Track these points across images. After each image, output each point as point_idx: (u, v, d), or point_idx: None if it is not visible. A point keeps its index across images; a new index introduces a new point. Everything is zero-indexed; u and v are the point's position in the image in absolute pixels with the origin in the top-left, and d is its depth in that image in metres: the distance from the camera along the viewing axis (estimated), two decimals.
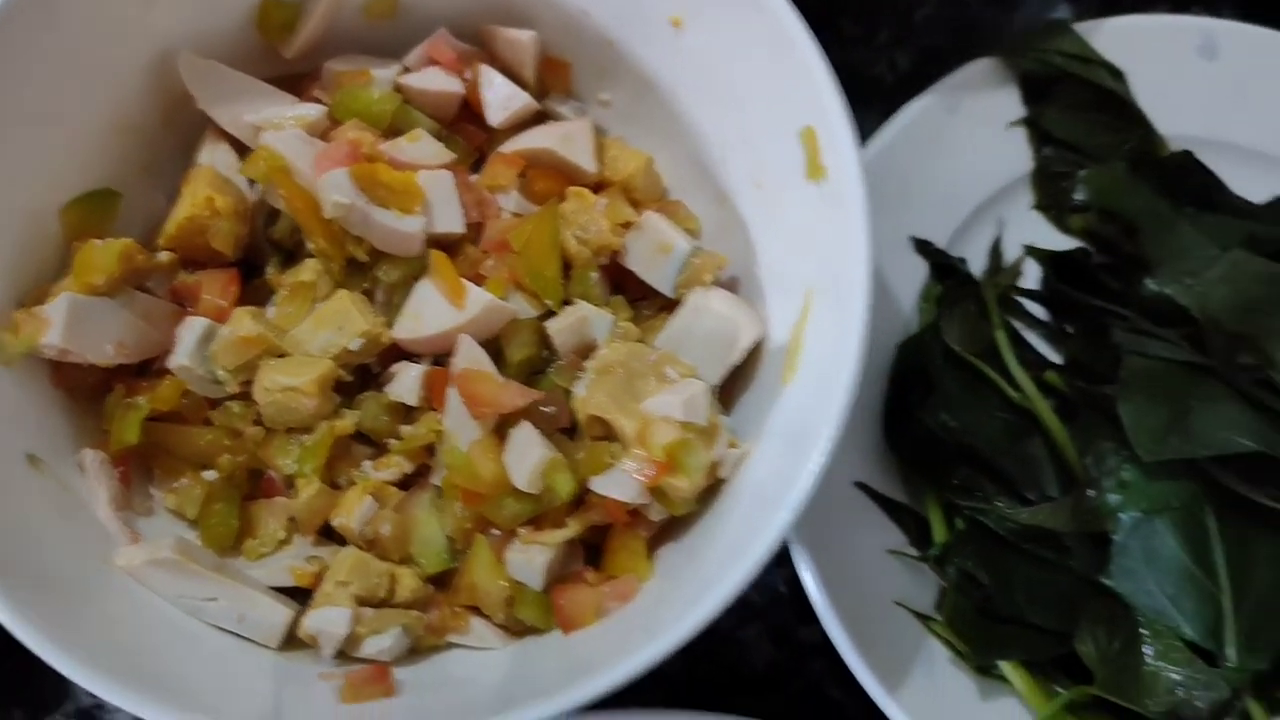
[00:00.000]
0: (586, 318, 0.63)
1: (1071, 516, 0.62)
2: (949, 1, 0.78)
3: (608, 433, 0.60)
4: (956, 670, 0.65)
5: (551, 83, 0.70)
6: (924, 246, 0.71)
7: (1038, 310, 0.70)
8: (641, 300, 0.66)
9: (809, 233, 0.58)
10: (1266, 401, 0.63)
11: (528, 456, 0.59)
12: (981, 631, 0.62)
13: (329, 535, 0.62)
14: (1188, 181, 0.70)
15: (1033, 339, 0.70)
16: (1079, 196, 0.67)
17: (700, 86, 0.64)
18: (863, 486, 0.67)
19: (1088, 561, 0.62)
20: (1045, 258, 0.68)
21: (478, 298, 0.60)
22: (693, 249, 0.64)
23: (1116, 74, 0.71)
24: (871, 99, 0.74)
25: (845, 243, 0.54)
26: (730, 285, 0.66)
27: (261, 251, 0.66)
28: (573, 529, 0.60)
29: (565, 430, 0.61)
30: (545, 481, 0.59)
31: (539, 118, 0.69)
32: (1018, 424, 0.66)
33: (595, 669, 0.51)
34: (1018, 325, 0.71)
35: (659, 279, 0.64)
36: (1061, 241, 0.70)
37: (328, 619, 0.59)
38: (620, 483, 0.59)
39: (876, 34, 0.78)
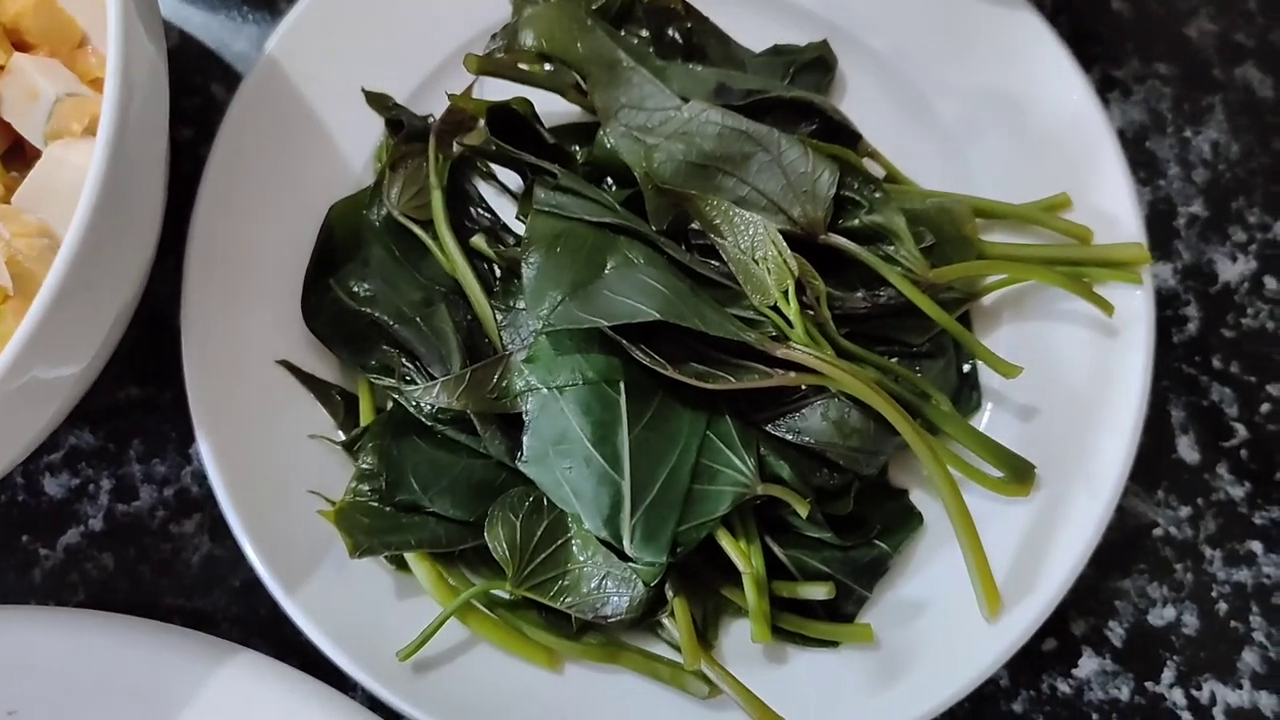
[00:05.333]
0: None
1: (471, 393, 0.55)
2: None
3: None
4: (375, 567, 0.58)
5: None
6: (376, 99, 0.63)
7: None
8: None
9: None
10: (698, 271, 0.56)
11: None
12: (371, 520, 0.56)
13: None
14: (673, 29, 0.63)
15: (508, 205, 0.63)
16: (525, 41, 0.59)
17: None
18: (287, 365, 0.60)
19: (500, 445, 0.56)
20: (481, 109, 0.60)
21: None
22: (62, 95, 0.56)
23: None
24: None
25: None
26: None
27: None
28: None
29: None
30: None
31: None
32: (437, 294, 0.59)
33: None
34: (489, 190, 0.63)
35: (29, 129, 0.57)
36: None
37: None
38: None
39: None
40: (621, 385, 0.54)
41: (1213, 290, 0.65)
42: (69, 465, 0.63)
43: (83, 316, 0.50)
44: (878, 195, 0.58)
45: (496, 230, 0.61)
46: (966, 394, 0.60)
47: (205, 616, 0.62)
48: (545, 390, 0.54)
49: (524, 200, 0.60)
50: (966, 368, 0.60)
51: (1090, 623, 0.61)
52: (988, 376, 0.60)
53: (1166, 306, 0.65)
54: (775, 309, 0.55)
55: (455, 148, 0.61)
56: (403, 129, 0.62)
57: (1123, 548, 0.62)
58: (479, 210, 0.62)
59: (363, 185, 0.62)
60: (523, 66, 0.60)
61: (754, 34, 0.65)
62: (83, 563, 0.62)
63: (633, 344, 0.53)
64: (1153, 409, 0.62)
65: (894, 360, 0.58)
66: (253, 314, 0.60)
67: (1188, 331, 0.65)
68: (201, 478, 0.62)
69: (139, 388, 0.64)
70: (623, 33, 0.63)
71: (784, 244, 0.55)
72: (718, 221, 0.56)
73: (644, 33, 0.63)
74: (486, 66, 0.59)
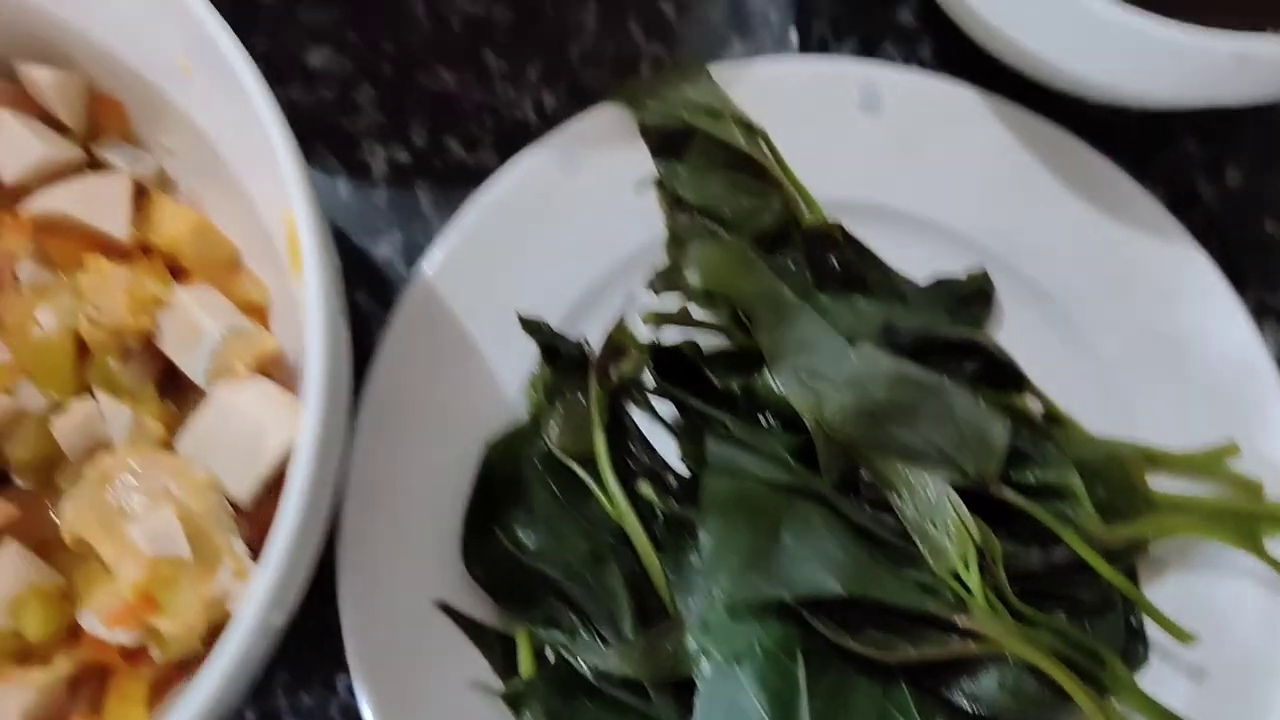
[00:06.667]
0: (97, 413, 0.54)
1: (646, 661, 0.54)
2: (608, 35, 0.69)
3: None
4: None
5: (106, 125, 0.60)
6: (532, 326, 0.61)
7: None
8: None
9: None
10: (874, 531, 0.55)
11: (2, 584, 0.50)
12: None
13: None
14: (832, 257, 0.62)
15: (660, 433, 0.62)
16: (692, 280, 0.58)
17: (232, 144, 0.54)
18: (444, 607, 0.59)
19: (673, 712, 0.54)
20: (642, 348, 0.59)
21: None
22: (225, 333, 0.55)
23: (751, 130, 0.62)
24: (516, 143, 0.64)
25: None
26: (294, 372, 0.57)
27: None
28: (60, 668, 0.52)
29: None
30: (14, 617, 0.50)
31: (88, 167, 0.59)
32: (605, 547, 0.57)
33: None
34: (641, 416, 0.62)
35: (191, 367, 0.55)
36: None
37: None
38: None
39: (524, 69, 0.69)
40: (799, 654, 0.53)
41: None
42: None
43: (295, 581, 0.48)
44: (1051, 450, 0.57)
45: (658, 470, 0.60)
46: (1133, 648, 0.59)
47: None
48: (719, 660, 0.53)
49: (685, 440, 0.59)
50: (1133, 621, 0.59)
51: None
52: (1154, 629, 0.59)
53: None
54: (954, 574, 0.54)
55: (613, 377, 0.60)
56: (559, 356, 0.60)
57: None
58: (637, 446, 0.60)
59: (515, 413, 0.61)
60: (694, 314, 0.59)
61: (910, 259, 0.64)
62: None
63: (813, 615, 0.52)
64: None
65: (1063, 617, 0.57)
66: (409, 551, 0.59)
67: None
68: (346, 710, 0.61)
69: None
70: (777, 256, 0.62)
71: (964, 509, 0.54)
72: (893, 480, 0.55)
73: (800, 258, 0.62)
74: (666, 320, 0.58)
